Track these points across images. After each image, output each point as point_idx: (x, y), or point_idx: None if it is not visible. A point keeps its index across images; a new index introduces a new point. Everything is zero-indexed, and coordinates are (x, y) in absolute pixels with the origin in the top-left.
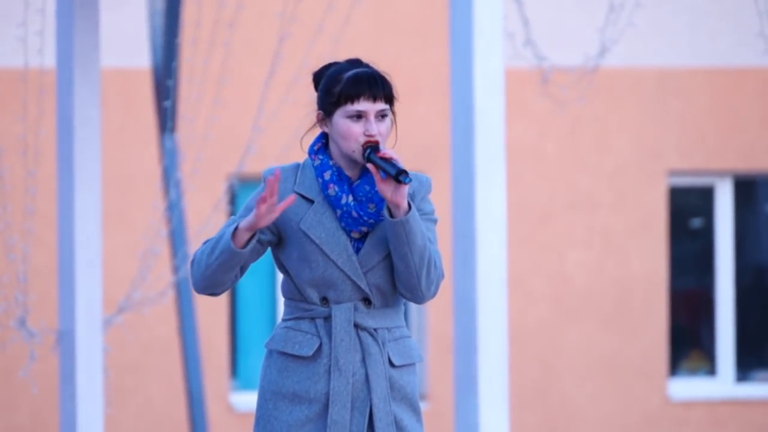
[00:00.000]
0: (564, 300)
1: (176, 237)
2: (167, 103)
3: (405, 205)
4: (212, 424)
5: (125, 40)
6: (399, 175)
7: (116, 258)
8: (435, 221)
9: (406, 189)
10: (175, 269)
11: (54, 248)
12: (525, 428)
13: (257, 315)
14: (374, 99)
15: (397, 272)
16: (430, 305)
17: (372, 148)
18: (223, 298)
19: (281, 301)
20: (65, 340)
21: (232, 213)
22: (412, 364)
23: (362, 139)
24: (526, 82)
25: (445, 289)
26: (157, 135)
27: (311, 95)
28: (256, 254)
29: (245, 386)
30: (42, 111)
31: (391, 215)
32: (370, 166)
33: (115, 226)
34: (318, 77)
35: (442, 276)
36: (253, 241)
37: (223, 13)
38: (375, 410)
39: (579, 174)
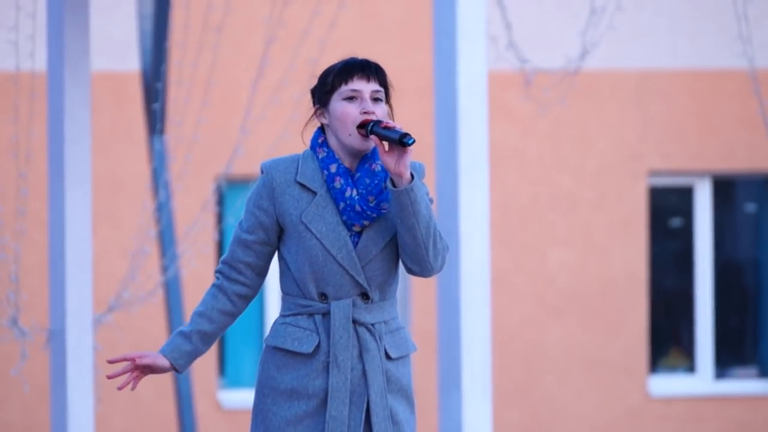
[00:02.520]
0: (546, 298)
1: (165, 237)
2: (156, 106)
3: (408, 175)
4: (200, 421)
5: (115, 43)
6: (403, 138)
7: (106, 258)
8: (431, 201)
9: (409, 159)
10: (164, 269)
11: (45, 248)
12: (508, 424)
13: (245, 313)
14: (367, 79)
15: (404, 246)
16: (415, 302)
17: (374, 122)
18: None
19: (269, 299)
20: (56, 339)
21: (220, 214)
22: (407, 356)
23: (359, 119)
24: (508, 84)
25: (430, 286)
26: (147, 137)
27: (298, 97)
28: (266, 256)
29: (233, 384)
30: (33, 113)
31: (394, 186)
32: (374, 138)
33: (105, 227)
34: (315, 88)
35: (447, 248)
36: (180, 364)
37: (211, 17)
38: (372, 405)
39: (561, 174)
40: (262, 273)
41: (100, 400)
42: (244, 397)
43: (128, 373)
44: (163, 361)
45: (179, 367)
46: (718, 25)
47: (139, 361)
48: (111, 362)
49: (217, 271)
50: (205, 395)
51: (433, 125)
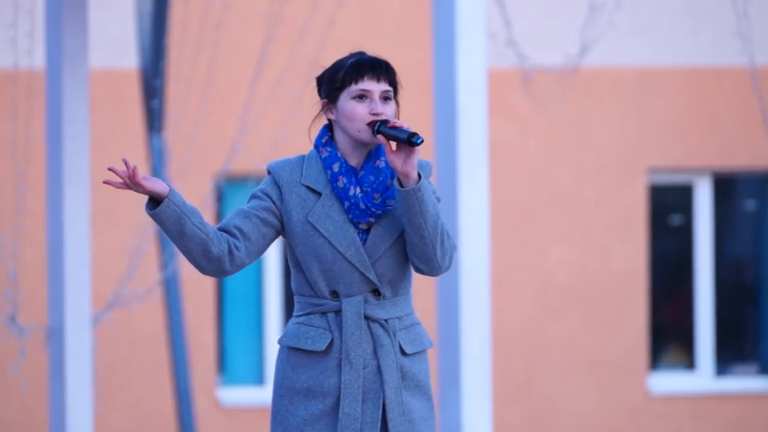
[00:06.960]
0: (546, 296)
1: (164, 235)
2: (155, 103)
3: (415, 175)
4: (200, 419)
5: (113, 41)
6: (411, 138)
7: (105, 256)
8: (438, 200)
9: (416, 159)
10: (163, 267)
11: (44, 246)
12: (507, 423)
13: (244, 311)
14: (378, 79)
15: (411, 246)
16: (415, 300)
17: (381, 122)
18: (210, 295)
19: (267, 297)
20: (55, 337)
21: (219, 212)
22: (423, 351)
23: (368, 119)
24: (508, 81)
25: (430, 284)
26: (145, 134)
27: (297, 94)
28: (261, 235)
29: (232, 381)
30: (31, 111)
31: (401, 186)
32: (381, 138)
33: (104, 225)
34: (321, 78)
35: (455, 247)
36: (162, 204)
37: (210, 15)
38: (387, 402)
39: (560, 172)
40: (250, 251)
41: (99, 399)
42: (243, 395)
43: (120, 179)
44: (162, 188)
45: (171, 200)
46: (718, 22)
47: (142, 178)
48: (113, 168)
49: None
50: (204, 393)
51: (433, 123)
